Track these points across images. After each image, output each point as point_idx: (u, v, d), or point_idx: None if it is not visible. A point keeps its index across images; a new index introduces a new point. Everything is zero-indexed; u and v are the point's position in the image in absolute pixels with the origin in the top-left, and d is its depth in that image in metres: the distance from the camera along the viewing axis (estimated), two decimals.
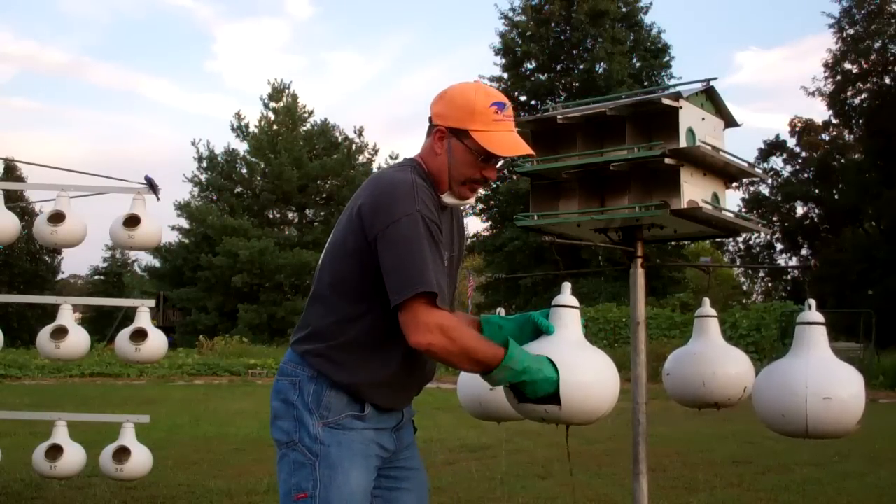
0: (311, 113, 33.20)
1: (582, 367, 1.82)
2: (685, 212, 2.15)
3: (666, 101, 2.15)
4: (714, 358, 2.40)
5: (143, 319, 4.22)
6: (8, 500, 4.75)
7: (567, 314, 1.92)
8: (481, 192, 1.95)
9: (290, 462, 1.82)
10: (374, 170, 26.80)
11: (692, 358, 2.44)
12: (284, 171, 30.18)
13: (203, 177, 32.60)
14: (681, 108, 2.15)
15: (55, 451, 4.13)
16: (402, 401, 1.95)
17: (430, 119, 1.90)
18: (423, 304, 1.70)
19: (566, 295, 1.95)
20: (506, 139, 1.85)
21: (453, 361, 1.75)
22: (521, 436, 7.36)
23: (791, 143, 31.29)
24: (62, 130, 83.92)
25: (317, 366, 1.84)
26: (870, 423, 2.13)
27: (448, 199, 1.88)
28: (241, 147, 32.65)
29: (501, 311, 2.19)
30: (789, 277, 32.03)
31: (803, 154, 31.17)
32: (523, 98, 28.89)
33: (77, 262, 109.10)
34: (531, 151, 1.89)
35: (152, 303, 4.50)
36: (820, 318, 2.12)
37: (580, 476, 5.76)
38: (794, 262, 32.66)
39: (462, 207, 2.05)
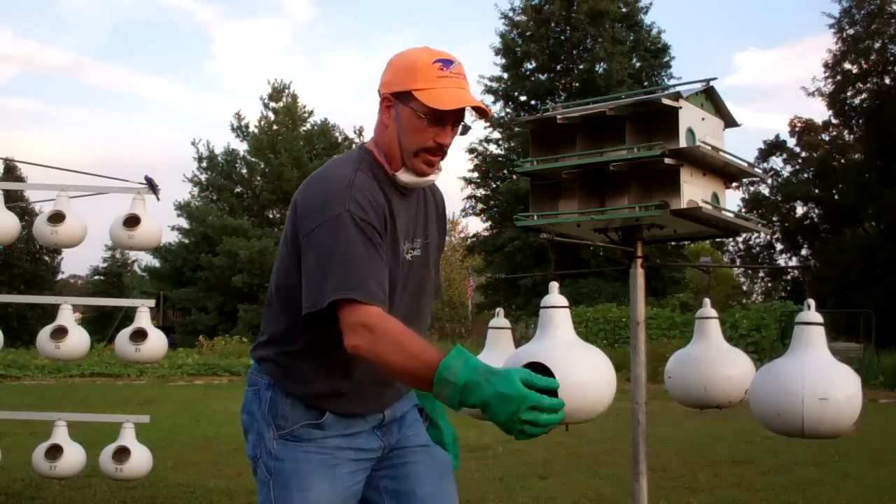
0: (311, 113, 33.19)
1: (577, 368, 1.83)
2: (685, 212, 2.15)
3: (666, 102, 2.15)
4: (715, 360, 2.41)
5: (143, 319, 4.21)
6: (8, 500, 4.75)
7: (557, 315, 1.92)
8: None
9: (257, 480, 1.75)
10: None
11: (693, 361, 2.44)
12: (284, 171, 30.17)
13: (203, 177, 32.61)
14: (681, 108, 2.15)
15: (55, 451, 4.12)
16: (367, 408, 1.78)
17: (378, 92, 1.74)
18: (347, 305, 1.54)
19: (554, 295, 1.94)
20: (451, 94, 1.65)
21: (382, 363, 1.51)
22: None
23: (791, 143, 31.30)
24: (62, 130, 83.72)
25: (270, 372, 1.76)
26: (870, 423, 2.13)
27: (404, 176, 1.70)
28: (241, 147, 32.68)
29: (501, 311, 2.19)
30: (789, 277, 32.04)
31: (803, 154, 31.16)
32: (523, 98, 28.91)
33: (77, 262, 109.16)
34: (479, 103, 1.68)
35: (152, 303, 4.50)
36: (818, 318, 2.13)
37: (580, 476, 5.76)
38: (794, 262, 32.67)
39: (436, 190, 1.87)
